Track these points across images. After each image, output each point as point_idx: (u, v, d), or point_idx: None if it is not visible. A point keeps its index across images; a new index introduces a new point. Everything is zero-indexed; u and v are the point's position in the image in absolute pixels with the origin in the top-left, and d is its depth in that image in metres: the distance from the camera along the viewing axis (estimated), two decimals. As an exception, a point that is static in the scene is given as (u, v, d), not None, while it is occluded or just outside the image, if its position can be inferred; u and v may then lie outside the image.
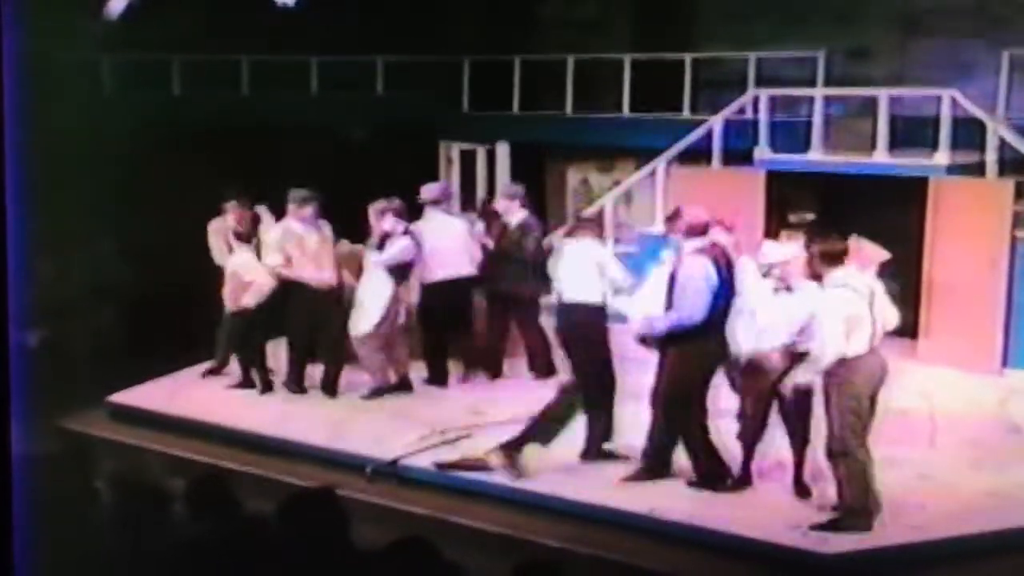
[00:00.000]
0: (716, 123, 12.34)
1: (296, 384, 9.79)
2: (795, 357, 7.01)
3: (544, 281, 9.17)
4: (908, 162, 11.22)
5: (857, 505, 6.81)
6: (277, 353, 10.07)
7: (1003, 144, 10.93)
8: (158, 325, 10.18)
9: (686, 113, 14.08)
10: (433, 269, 9.89)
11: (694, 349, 7.28)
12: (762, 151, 12.01)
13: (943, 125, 10.96)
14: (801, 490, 7.33)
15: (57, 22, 5.50)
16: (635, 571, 6.77)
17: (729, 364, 7.37)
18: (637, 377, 7.84)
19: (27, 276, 3.21)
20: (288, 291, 9.66)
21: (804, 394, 7.12)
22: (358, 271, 9.84)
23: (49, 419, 7.88)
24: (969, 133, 11.10)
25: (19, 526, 3.17)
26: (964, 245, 10.52)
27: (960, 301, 10.49)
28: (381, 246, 9.56)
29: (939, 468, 7.89)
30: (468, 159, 15.73)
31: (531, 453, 7.79)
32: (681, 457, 7.59)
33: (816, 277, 6.91)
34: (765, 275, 7.26)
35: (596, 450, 7.97)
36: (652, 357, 7.53)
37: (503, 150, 15.40)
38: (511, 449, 7.74)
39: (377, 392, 9.63)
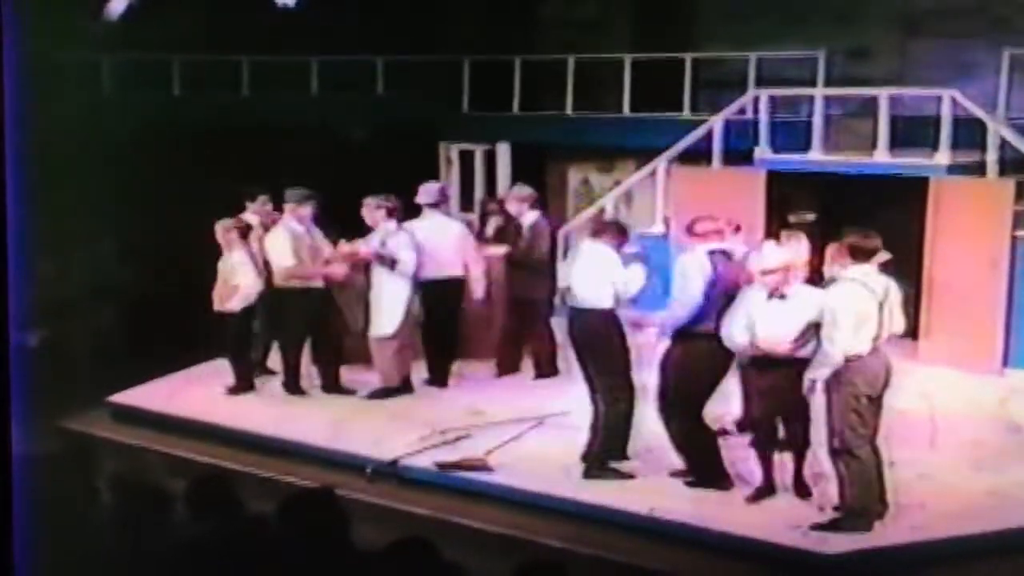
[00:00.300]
0: (716, 123, 12.32)
1: (293, 387, 9.78)
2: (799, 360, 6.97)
3: (554, 282, 9.15)
4: (908, 162, 11.21)
5: (858, 505, 6.80)
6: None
7: (1003, 144, 10.91)
8: (158, 325, 10.17)
9: (686, 113, 14.05)
10: (428, 268, 9.89)
11: (698, 349, 7.29)
12: (762, 151, 12.00)
13: (943, 125, 10.94)
14: (801, 490, 7.32)
15: (57, 22, 5.50)
16: (635, 571, 6.77)
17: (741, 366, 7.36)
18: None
19: (27, 276, 3.21)
20: (281, 294, 9.62)
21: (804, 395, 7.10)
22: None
23: (49, 419, 7.87)
24: (969, 133, 11.08)
25: (19, 526, 3.18)
26: (964, 245, 10.50)
27: (960, 301, 10.47)
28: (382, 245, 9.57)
29: (939, 468, 7.86)
30: (468, 159, 15.74)
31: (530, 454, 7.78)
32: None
33: (819, 275, 6.85)
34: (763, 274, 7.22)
35: (599, 463, 7.79)
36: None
37: (503, 150, 15.39)
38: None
39: (381, 394, 9.63)
